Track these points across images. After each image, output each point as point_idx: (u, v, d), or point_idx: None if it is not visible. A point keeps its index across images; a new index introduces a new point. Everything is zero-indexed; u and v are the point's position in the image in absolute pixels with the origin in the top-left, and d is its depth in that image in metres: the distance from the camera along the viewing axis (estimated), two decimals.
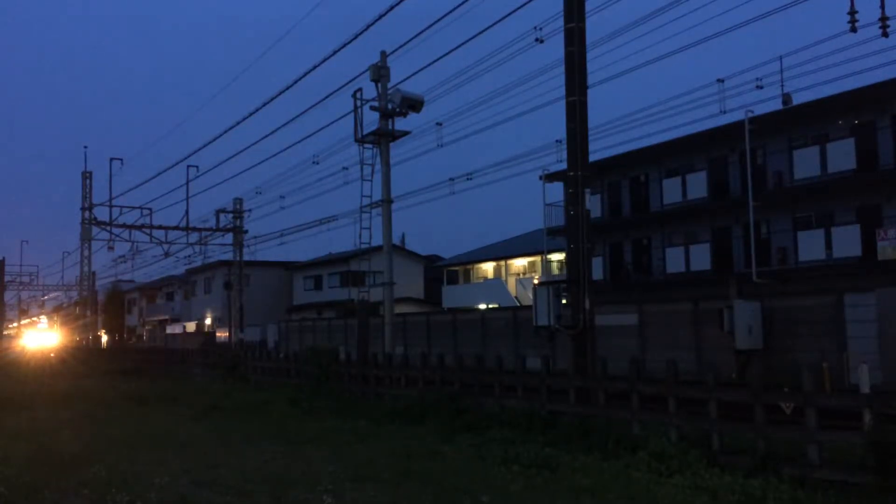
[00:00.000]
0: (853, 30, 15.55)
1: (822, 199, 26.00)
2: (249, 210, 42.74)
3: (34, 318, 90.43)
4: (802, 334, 20.49)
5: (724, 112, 25.27)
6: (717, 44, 23.62)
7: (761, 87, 23.48)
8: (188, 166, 38.91)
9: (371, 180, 22.96)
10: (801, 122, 26.59)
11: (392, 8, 19.00)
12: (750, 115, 25.74)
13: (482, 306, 40.18)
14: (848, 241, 24.41)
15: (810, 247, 25.55)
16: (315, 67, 22.82)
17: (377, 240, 23.23)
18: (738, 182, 28.57)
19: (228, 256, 44.89)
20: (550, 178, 33.31)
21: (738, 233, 28.56)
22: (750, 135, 25.76)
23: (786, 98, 24.94)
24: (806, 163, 25.92)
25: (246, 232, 42.81)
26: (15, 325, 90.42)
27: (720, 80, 24.77)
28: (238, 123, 29.72)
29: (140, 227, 39.81)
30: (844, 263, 24.15)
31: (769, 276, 25.68)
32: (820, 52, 21.62)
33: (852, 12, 15.31)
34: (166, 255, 43.88)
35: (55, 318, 78.55)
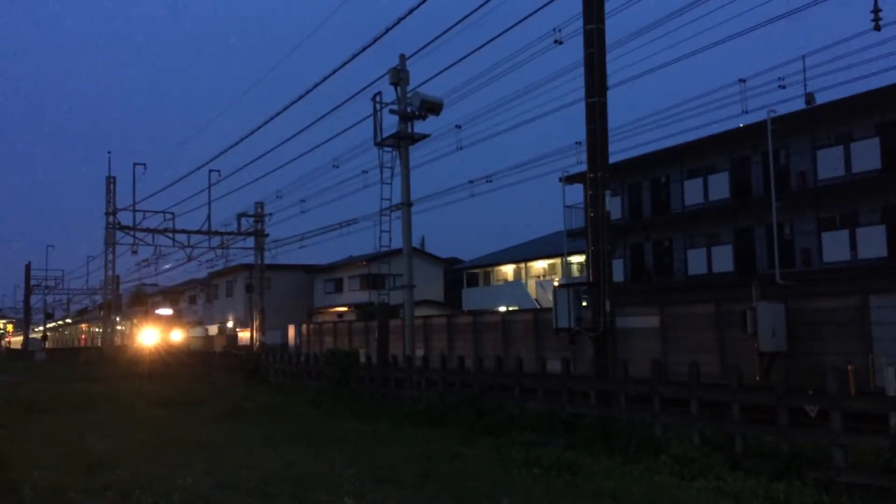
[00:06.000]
0: (877, 28, 15.36)
1: (846, 200, 25.66)
2: (270, 214, 43.21)
3: (149, 307, 71.70)
4: (827, 336, 20.21)
5: (747, 112, 25.07)
6: (739, 44, 23.44)
7: (784, 87, 23.25)
8: (210, 171, 39.34)
9: (391, 183, 23.05)
10: (824, 121, 26.29)
11: (411, 11, 19.07)
12: (772, 114, 25.48)
13: (502, 308, 40.09)
14: (873, 241, 24.08)
15: (835, 247, 25.23)
16: (335, 72, 22.94)
17: (397, 242, 23.33)
18: (760, 183, 28.27)
19: (250, 260, 45.24)
20: (570, 179, 33.18)
21: (760, 234, 28.27)
22: (772, 135, 25.50)
23: (809, 97, 24.65)
24: (830, 163, 25.60)
25: (267, 235, 43.19)
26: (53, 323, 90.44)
27: (742, 80, 24.57)
28: (258, 128, 30.01)
29: (163, 231, 40.20)
30: (870, 264, 23.84)
31: (793, 278, 25.37)
32: (843, 50, 21.41)
33: (876, 10, 15.13)
34: (189, 258, 44.25)
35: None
